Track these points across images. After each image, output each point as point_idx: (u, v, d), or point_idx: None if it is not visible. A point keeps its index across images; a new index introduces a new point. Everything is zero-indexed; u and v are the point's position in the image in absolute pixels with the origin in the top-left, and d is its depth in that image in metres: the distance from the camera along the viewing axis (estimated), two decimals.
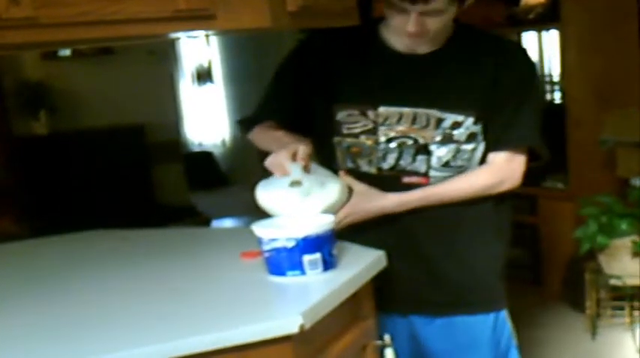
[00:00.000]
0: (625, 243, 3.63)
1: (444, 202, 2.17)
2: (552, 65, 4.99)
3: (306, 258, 1.90)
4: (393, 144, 2.15)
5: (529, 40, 5.21)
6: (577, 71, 4.48)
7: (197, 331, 1.60)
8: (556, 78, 4.96)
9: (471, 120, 2.12)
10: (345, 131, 2.19)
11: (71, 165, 6.43)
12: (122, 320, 1.72)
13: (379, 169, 2.19)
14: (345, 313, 1.87)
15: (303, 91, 2.21)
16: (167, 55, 8.13)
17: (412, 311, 2.27)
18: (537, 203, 4.60)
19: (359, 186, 2.16)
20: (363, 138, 2.18)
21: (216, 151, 8.85)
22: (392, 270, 2.09)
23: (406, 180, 2.17)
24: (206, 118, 9.04)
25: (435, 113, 2.12)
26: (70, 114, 6.92)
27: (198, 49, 8.91)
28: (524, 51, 2.26)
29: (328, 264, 1.93)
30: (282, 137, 2.16)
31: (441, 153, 2.14)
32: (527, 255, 4.66)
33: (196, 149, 8.74)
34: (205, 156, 8.70)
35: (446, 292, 2.24)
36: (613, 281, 3.69)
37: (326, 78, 2.18)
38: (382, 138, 2.16)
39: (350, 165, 2.21)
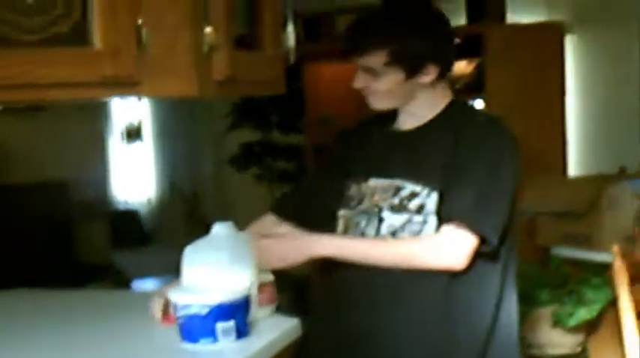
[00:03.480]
0: (545, 312, 3.68)
1: (366, 261, 2.11)
2: None
3: (220, 326, 1.90)
4: (364, 214, 2.19)
5: None
6: None
7: None
8: None
9: (425, 191, 2.11)
10: (346, 205, 2.25)
11: None
12: None
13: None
14: None
15: (331, 174, 2.35)
16: (97, 112, 8.09)
17: None
18: None
19: (282, 229, 2.20)
20: (350, 211, 2.24)
21: (142, 210, 8.77)
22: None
23: None
24: (133, 176, 8.97)
25: (397, 182, 2.15)
26: None
27: (129, 107, 8.86)
28: (491, 125, 2.20)
29: (242, 332, 1.93)
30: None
31: (392, 221, 2.14)
32: None
33: (122, 207, 8.64)
34: (130, 214, 8.61)
35: None
36: (534, 351, 3.73)
37: (348, 160, 2.30)
38: (361, 209, 2.21)
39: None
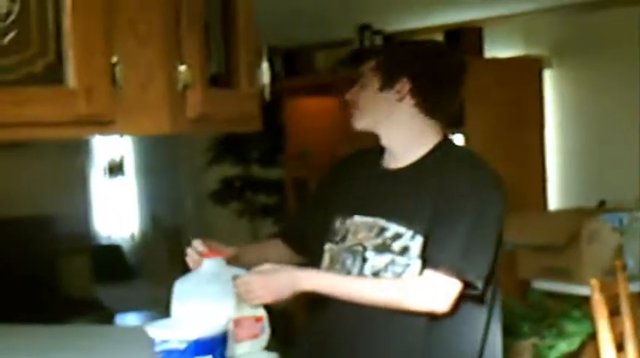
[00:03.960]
0: (526, 345, 3.69)
1: (349, 299, 2.12)
2: None
3: None
4: (349, 252, 2.21)
5: None
6: None
7: None
8: None
9: (410, 233, 2.12)
10: (330, 238, 2.29)
11: None
12: None
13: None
14: None
15: (320, 206, 2.40)
16: (80, 148, 8.08)
17: None
18: None
19: (264, 266, 2.17)
20: (334, 246, 2.27)
21: (125, 244, 8.74)
22: None
23: None
24: (116, 211, 8.95)
25: (381, 222, 2.17)
26: None
27: (111, 142, 8.86)
28: (479, 171, 2.24)
29: None
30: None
31: (375, 261, 2.16)
32: None
33: (105, 241, 8.62)
34: (113, 249, 8.59)
35: None
36: None
37: (336, 193, 2.35)
38: (345, 246, 2.23)
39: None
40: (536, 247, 3.90)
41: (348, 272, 2.20)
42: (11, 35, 1.62)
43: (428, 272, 2.09)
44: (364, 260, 2.18)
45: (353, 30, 5.31)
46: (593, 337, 3.32)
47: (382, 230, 2.17)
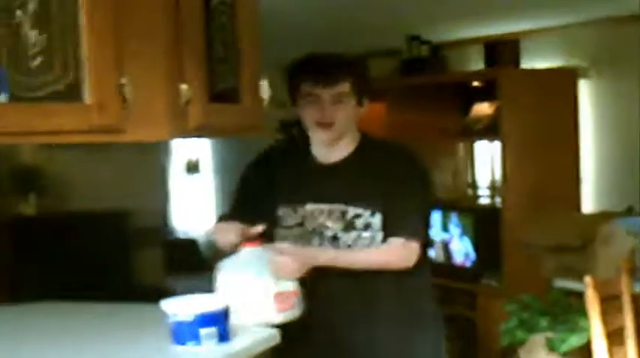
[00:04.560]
0: (541, 338, 3.94)
1: (351, 266, 2.62)
2: (495, 173, 5.40)
3: (203, 331, 2.27)
4: (315, 233, 2.70)
5: (480, 148, 5.64)
6: (513, 179, 4.87)
7: None
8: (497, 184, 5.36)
9: (368, 212, 2.65)
10: (283, 224, 2.75)
11: (55, 244, 6.80)
12: None
13: None
14: None
15: (259, 196, 2.79)
16: (160, 147, 8.56)
17: None
18: (476, 299, 4.94)
19: (283, 245, 2.65)
20: (295, 229, 2.73)
21: (199, 239, 9.19)
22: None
23: None
24: (193, 207, 9.44)
25: (341, 207, 2.66)
26: (59, 198, 7.34)
27: (189, 142, 9.35)
28: (411, 156, 2.76)
29: (223, 337, 2.30)
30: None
31: (345, 238, 2.67)
32: (464, 347, 4.97)
33: (181, 236, 9.08)
34: (188, 243, 9.05)
35: None
36: None
37: (271, 185, 2.77)
38: (309, 229, 2.70)
39: None
40: (556, 247, 4.14)
41: None
42: (38, 60, 2.02)
43: (399, 240, 2.63)
44: (334, 238, 2.67)
45: (403, 39, 5.62)
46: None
47: (343, 213, 2.66)
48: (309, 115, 2.67)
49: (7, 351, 2.39)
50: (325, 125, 2.65)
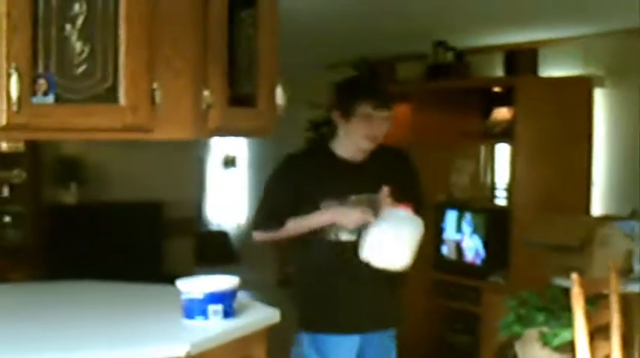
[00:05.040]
0: (536, 333, 4.19)
1: None
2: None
3: (211, 308, 2.59)
4: None
5: (500, 150, 5.90)
6: (524, 181, 5.13)
7: (103, 346, 2.34)
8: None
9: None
10: None
11: (92, 232, 7.19)
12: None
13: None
14: (235, 351, 2.56)
15: (293, 197, 3.20)
16: (198, 143, 8.92)
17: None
18: (481, 295, 5.21)
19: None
20: None
21: (231, 231, 9.54)
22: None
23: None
24: (227, 200, 9.79)
25: (372, 196, 3.18)
26: (98, 188, 7.73)
27: (227, 139, 9.71)
28: (409, 157, 3.48)
29: (228, 313, 2.62)
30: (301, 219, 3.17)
31: None
32: (469, 341, 5.24)
33: (214, 227, 9.44)
34: (220, 235, 9.40)
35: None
36: None
37: (307, 184, 3.19)
38: None
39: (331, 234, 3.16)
40: (557, 247, 4.39)
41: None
42: (83, 67, 2.34)
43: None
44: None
45: (429, 45, 5.90)
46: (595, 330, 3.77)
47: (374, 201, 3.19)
48: (361, 130, 3.15)
49: (34, 321, 2.72)
50: (374, 138, 3.15)
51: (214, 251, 8.74)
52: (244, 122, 2.68)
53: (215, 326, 2.56)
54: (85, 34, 2.33)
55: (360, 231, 3.11)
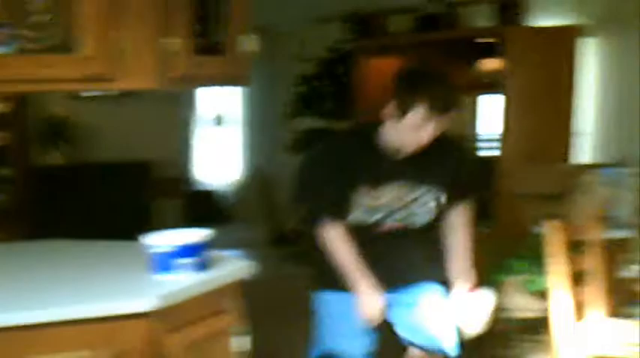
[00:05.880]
0: (514, 280, 4.20)
1: None
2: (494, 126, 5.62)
3: (181, 261, 2.55)
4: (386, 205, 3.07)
5: (484, 102, 5.86)
6: (511, 132, 5.10)
7: (67, 303, 2.30)
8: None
9: (432, 191, 3.10)
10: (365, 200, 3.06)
11: (79, 192, 7.17)
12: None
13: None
14: (207, 304, 2.54)
15: (344, 182, 3.03)
16: (184, 98, 8.87)
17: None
18: None
19: None
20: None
21: (220, 190, 9.51)
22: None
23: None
24: (219, 159, 9.75)
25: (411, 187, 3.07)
26: (86, 148, 7.71)
27: (215, 96, 9.64)
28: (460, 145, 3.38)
29: (200, 267, 2.58)
30: (356, 269, 3.05)
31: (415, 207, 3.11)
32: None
33: (201, 187, 9.38)
34: (209, 194, 9.36)
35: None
36: (504, 315, 4.24)
37: (352, 170, 3.02)
38: (382, 201, 3.05)
39: (364, 215, 3.04)
40: (539, 196, 4.38)
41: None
42: (42, 17, 2.30)
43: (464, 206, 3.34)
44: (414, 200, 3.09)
45: None
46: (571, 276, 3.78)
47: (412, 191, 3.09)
48: (413, 131, 2.92)
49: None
50: (422, 142, 2.95)
51: (205, 210, 8.71)
52: (213, 70, 2.63)
53: (184, 280, 2.52)
54: None
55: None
